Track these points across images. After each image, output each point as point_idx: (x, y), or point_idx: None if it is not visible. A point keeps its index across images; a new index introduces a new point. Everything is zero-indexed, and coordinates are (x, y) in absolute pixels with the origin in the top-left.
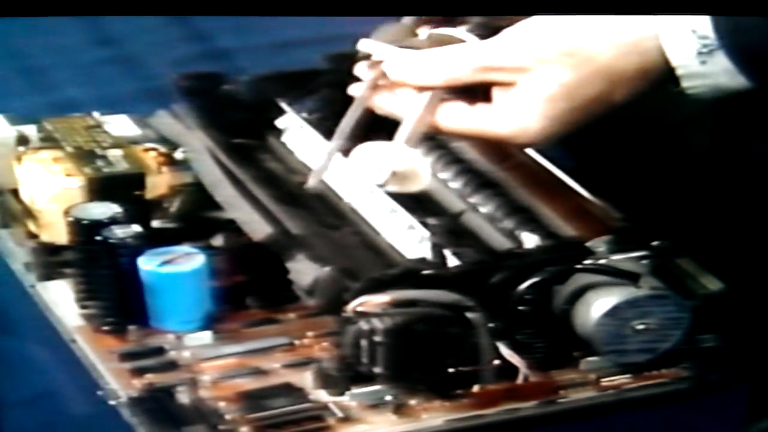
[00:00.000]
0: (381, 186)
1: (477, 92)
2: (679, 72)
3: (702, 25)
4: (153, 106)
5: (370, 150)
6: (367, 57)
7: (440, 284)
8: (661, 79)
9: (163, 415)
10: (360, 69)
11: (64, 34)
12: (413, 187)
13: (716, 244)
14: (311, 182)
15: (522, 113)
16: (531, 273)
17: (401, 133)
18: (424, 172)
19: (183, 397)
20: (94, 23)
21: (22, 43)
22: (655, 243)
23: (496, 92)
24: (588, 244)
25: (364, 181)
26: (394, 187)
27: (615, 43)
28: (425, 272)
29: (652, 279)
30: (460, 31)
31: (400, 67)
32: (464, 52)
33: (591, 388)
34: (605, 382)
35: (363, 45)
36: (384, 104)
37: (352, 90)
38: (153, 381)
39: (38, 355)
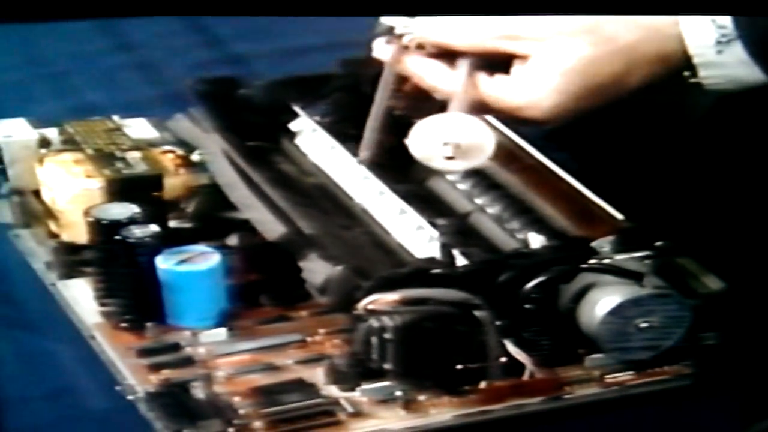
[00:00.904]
0: (448, 158)
1: (499, 66)
2: (696, 60)
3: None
4: (171, 109)
5: (431, 124)
6: (389, 31)
7: (449, 283)
8: (678, 66)
9: (178, 410)
10: (379, 45)
11: (84, 40)
12: (478, 160)
13: (717, 244)
14: (362, 156)
15: (537, 84)
16: (537, 272)
17: (455, 105)
18: (489, 143)
19: (198, 392)
20: (114, 29)
21: (45, 49)
22: (658, 243)
23: (515, 65)
24: (593, 244)
25: (428, 157)
26: (461, 162)
27: (637, 25)
28: (434, 271)
29: (655, 278)
30: None
31: (429, 27)
32: (487, 20)
33: (595, 384)
34: (609, 378)
35: (386, 18)
36: (413, 68)
37: (378, 53)
38: (169, 376)
39: (58, 351)
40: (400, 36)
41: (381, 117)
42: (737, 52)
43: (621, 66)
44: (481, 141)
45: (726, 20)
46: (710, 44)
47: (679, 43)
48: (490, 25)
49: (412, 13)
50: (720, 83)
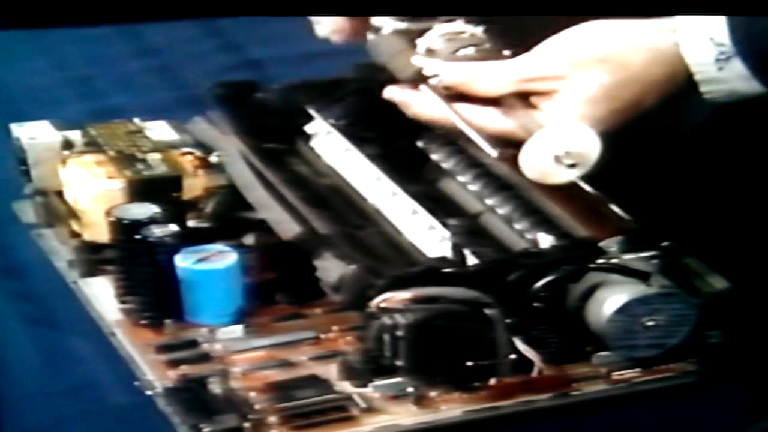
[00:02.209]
0: (570, 167)
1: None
2: (697, 77)
3: (719, 33)
4: (190, 112)
5: (542, 139)
6: (418, 73)
7: (460, 282)
8: (684, 84)
9: (196, 405)
10: (394, 89)
11: (107, 45)
12: (588, 165)
13: (722, 244)
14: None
15: (566, 114)
16: (546, 271)
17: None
18: (595, 147)
19: (215, 387)
20: (135, 35)
21: (68, 53)
22: (664, 243)
23: (541, 101)
24: (600, 244)
25: (543, 173)
26: (575, 170)
27: (644, 50)
28: (445, 270)
29: (661, 278)
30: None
31: (455, 77)
32: (508, 66)
33: (602, 381)
34: (616, 375)
35: (417, 60)
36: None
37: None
38: (187, 372)
39: (80, 348)
40: (427, 78)
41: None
42: (737, 67)
43: (636, 89)
44: (588, 146)
45: (724, 38)
46: (710, 62)
47: (683, 63)
48: (512, 69)
49: (417, 13)
50: (720, 97)
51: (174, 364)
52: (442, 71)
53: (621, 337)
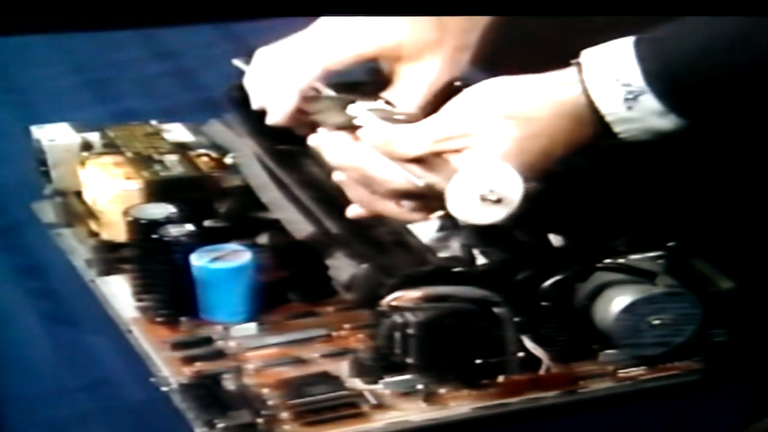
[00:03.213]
0: (496, 202)
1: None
2: (608, 119)
3: (624, 73)
4: (206, 115)
5: (467, 177)
6: (350, 121)
7: (469, 281)
8: (597, 127)
9: (210, 401)
10: (318, 136)
11: (125, 49)
12: (513, 203)
13: (727, 245)
14: None
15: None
16: (554, 271)
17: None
18: (518, 185)
19: (229, 383)
20: (153, 39)
21: (87, 57)
22: (670, 244)
23: (453, 158)
24: (607, 244)
25: (468, 213)
26: (500, 208)
27: (547, 104)
28: (455, 270)
29: (667, 277)
30: None
31: (374, 139)
32: (420, 128)
33: (609, 379)
34: (622, 373)
35: (352, 110)
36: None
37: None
38: (202, 369)
39: (97, 345)
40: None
41: None
42: (647, 105)
43: (545, 141)
44: (511, 181)
45: (630, 78)
46: (619, 102)
47: (591, 109)
48: (424, 131)
49: (419, 12)
50: (637, 135)
51: (189, 360)
52: (369, 131)
53: (627, 335)
